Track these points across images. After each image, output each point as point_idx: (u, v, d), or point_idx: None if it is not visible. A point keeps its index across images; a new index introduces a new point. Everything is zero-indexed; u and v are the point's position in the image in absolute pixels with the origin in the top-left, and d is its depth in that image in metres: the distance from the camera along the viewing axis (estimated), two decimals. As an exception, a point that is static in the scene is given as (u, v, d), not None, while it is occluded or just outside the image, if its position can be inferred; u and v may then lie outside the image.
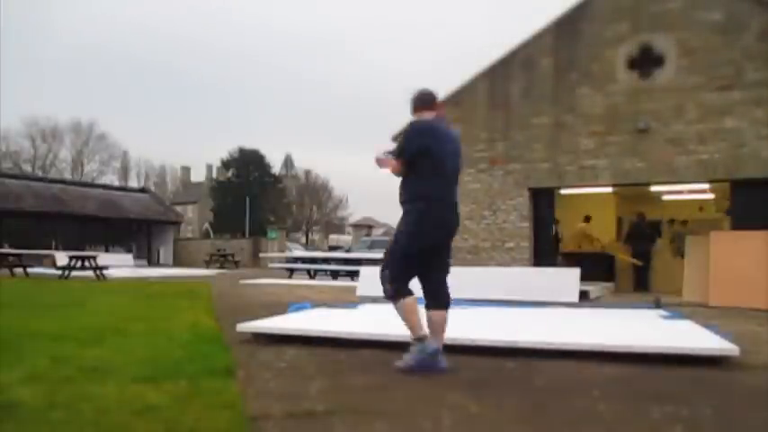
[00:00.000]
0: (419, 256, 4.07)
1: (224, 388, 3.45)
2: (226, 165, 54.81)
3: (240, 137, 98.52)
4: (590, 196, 14.20)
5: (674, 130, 11.71)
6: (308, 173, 68.11)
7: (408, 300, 4.01)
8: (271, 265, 23.13)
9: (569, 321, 6.67)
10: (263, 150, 54.59)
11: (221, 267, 26.61)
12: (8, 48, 71.66)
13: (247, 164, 53.37)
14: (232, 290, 12.60)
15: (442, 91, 13.32)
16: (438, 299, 4.15)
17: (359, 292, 10.93)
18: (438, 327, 4.10)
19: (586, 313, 7.74)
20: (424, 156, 4.05)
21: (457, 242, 13.45)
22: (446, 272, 4.25)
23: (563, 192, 13.51)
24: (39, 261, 20.57)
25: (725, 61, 11.35)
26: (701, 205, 14.94)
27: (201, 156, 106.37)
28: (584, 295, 10.45)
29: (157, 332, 5.67)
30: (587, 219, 14.77)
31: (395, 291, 4.03)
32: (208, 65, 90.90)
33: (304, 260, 21.03)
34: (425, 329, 4.04)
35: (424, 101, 4.30)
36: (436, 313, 4.11)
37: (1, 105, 73.42)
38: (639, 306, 8.69)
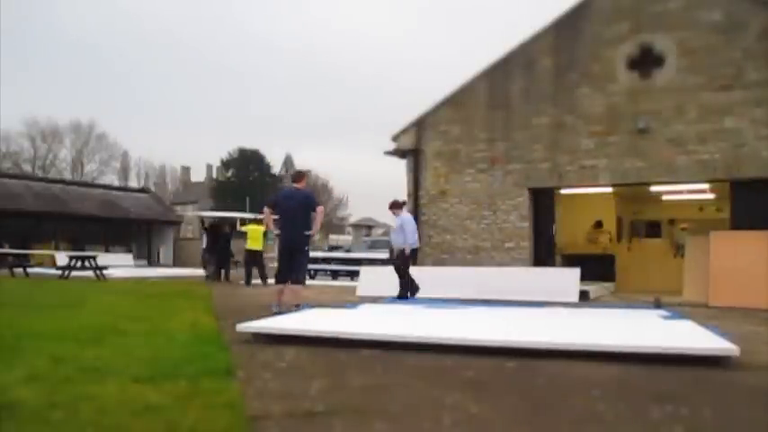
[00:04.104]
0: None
1: (224, 388, 3.44)
2: (226, 165, 54.74)
3: (240, 137, 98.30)
4: (590, 196, 14.18)
5: (674, 129, 11.69)
6: (308, 173, 67.92)
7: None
8: (271, 265, 23.09)
9: (569, 321, 6.67)
10: (263, 150, 54.60)
11: (221, 267, 26.51)
12: (8, 48, 71.60)
13: (247, 164, 53.32)
14: (232, 290, 12.59)
15: (441, 91, 13.40)
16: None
17: (359, 292, 10.93)
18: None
19: (586, 313, 7.74)
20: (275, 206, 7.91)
21: (457, 242, 13.52)
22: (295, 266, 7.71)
23: (563, 191, 13.50)
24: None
25: (725, 61, 11.33)
26: (701, 205, 14.92)
27: (201, 156, 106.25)
28: (584, 295, 10.46)
29: (157, 332, 5.67)
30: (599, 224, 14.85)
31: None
32: (208, 64, 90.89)
33: (304, 260, 20.92)
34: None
35: (293, 178, 8.13)
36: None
37: (1, 105, 73.42)
38: (639, 306, 8.69)
